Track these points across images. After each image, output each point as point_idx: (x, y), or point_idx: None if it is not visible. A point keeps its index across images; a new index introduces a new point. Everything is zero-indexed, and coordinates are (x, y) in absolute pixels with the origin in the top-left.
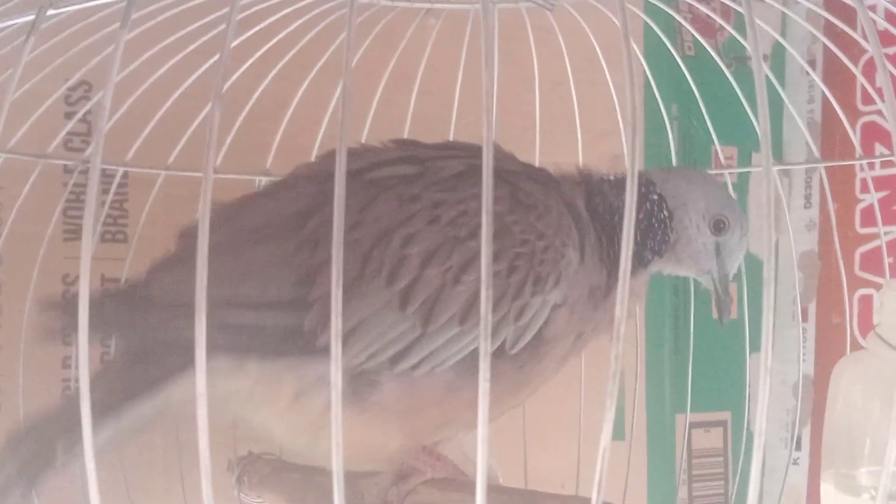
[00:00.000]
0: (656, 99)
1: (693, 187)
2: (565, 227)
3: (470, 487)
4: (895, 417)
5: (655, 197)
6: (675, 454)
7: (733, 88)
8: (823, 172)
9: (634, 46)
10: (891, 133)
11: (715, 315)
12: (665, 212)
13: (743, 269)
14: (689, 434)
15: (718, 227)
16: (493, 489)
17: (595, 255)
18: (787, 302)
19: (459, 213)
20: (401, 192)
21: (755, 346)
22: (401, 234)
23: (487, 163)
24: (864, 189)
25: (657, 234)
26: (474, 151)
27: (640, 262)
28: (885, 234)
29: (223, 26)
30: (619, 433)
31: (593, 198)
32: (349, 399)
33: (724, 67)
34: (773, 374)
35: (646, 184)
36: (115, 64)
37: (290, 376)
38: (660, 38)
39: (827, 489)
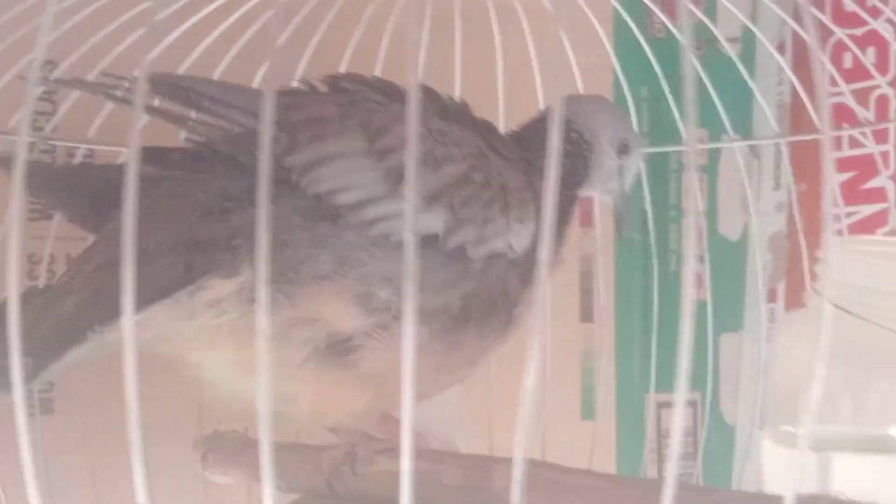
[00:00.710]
0: (628, 81)
1: (603, 115)
2: (528, 192)
3: (427, 455)
4: (819, 362)
5: (574, 135)
6: (645, 434)
7: (703, 71)
8: (784, 149)
9: (601, 29)
10: (818, 108)
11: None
12: (584, 145)
13: (706, 249)
14: (659, 414)
15: (623, 149)
16: (449, 455)
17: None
18: (757, 283)
19: (446, 130)
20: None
21: (722, 327)
22: (389, 115)
23: (413, 112)
24: (835, 170)
25: (579, 170)
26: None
27: (570, 202)
28: (851, 214)
29: (184, 1)
30: (588, 413)
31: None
32: (327, 354)
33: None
34: (744, 355)
35: (566, 126)
36: (49, 12)
37: None
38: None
39: (766, 444)
